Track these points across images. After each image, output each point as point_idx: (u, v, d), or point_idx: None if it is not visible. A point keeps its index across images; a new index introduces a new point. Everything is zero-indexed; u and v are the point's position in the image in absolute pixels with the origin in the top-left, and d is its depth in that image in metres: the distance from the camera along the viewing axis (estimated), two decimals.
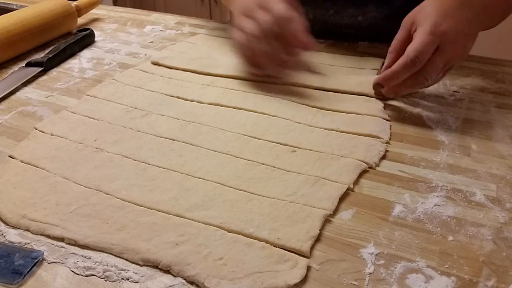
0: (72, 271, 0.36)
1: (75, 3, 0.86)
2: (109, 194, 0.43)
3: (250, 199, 0.43)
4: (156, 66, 0.70)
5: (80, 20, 0.88)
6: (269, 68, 0.60)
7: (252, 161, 0.48)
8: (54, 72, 0.71)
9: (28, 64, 0.70)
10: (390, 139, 0.52)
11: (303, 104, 0.58)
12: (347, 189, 0.44)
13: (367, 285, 0.35)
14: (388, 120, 0.55)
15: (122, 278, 0.36)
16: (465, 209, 0.42)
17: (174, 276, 0.36)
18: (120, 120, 0.56)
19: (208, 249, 0.38)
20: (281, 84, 0.62)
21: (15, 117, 0.58)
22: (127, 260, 0.37)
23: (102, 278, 0.36)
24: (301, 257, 0.37)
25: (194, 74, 0.67)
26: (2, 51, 0.71)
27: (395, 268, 0.36)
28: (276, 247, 0.38)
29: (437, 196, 0.43)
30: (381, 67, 0.66)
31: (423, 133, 0.53)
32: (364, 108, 0.57)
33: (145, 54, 0.76)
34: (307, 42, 0.57)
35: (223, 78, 0.65)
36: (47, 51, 0.75)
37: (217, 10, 2.48)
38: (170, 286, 0.35)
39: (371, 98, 0.59)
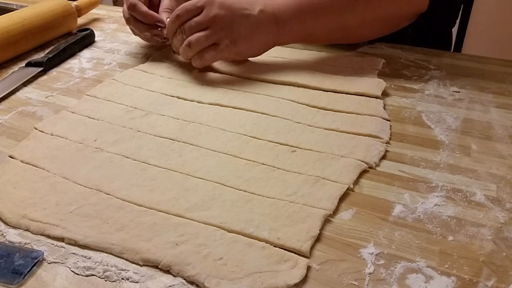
0: (72, 271, 0.36)
1: (75, 3, 0.86)
2: (109, 194, 0.43)
3: (250, 199, 0.43)
4: (156, 66, 0.70)
5: (80, 20, 0.88)
6: (150, 41, 0.73)
7: (252, 161, 0.48)
8: (54, 72, 0.71)
9: (28, 64, 0.70)
10: (390, 139, 0.52)
11: (303, 104, 0.58)
12: (347, 189, 0.44)
13: (367, 285, 0.35)
14: (388, 120, 0.55)
15: (122, 278, 0.36)
16: (465, 209, 0.42)
17: (174, 276, 0.36)
18: (120, 120, 0.56)
19: (208, 249, 0.38)
20: (280, 84, 0.63)
21: (15, 117, 0.58)
22: (127, 260, 0.37)
23: (102, 278, 0.36)
24: (301, 257, 0.37)
25: (194, 74, 0.67)
26: (2, 51, 0.71)
27: (395, 268, 0.36)
28: (276, 247, 0.38)
29: (437, 196, 0.43)
30: (381, 67, 0.67)
31: (423, 133, 0.53)
32: (364, 108, 0.56)
33: (145, 54, 0.76)
34: (155, 18, 0.68)
35: (223, 79, 0.65)
36: (47, 51, 0.75)
37: None
38: (170, 286, 0.35)
39: (371, 98, 0.59)
